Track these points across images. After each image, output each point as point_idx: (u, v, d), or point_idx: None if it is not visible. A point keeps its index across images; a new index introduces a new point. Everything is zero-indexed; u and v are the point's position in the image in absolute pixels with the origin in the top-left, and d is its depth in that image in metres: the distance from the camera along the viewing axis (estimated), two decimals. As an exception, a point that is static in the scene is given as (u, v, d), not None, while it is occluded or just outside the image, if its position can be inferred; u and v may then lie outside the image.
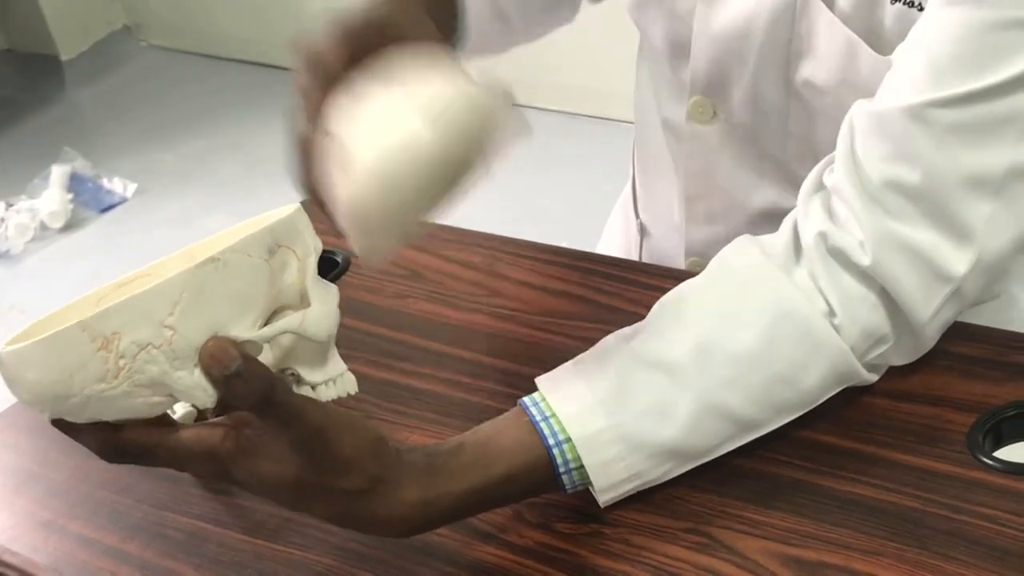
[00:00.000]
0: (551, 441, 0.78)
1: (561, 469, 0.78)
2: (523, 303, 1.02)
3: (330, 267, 1.12)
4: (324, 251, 1.11)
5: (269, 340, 0.70)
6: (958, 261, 0.79)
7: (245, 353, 0.67)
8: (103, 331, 0.65)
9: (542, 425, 0.78)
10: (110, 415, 0.68)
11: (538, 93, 3.31)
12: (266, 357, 0.70)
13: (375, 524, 0.74)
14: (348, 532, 0.81)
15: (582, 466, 0.78)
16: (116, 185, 3.14)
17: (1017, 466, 0.78)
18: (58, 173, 3.11)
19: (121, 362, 0.66)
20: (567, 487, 0.79)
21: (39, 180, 3.13)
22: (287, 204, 1.16)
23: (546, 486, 0.79)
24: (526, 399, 0.80)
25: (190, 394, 0.68)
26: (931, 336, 0.83)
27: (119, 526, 0.87)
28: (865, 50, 0.89)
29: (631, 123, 1.19)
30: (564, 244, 1.10)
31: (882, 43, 0.87)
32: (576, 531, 0.80)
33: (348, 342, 0.99)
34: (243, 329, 0.68)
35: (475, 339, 0.99)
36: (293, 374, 0.72)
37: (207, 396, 0.68)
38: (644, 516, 0.80)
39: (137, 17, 4.02)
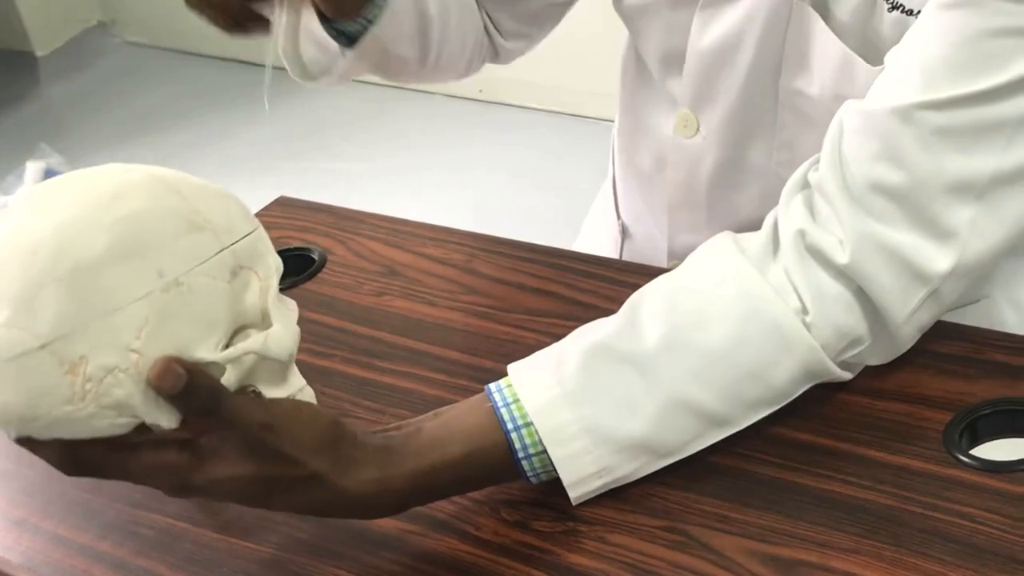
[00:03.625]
0: (510, 426, 0.78)
1: (520, 454, 0.78)
2: (499, 300, 1.02)
3: (306, 264, 1.11)
4: (300, 248, 1.14)
5: (232, 361, 0.70)
6: (938, 262, 0.79)
7: (189, 366, 0.68)
8: (70, 355, 0.66)
9: (503, 411, 0.78)
10: (76, 435, 0.69)
11: (515, 91, 3.31)
12: (228, 377, 0.71)
13: (335, 506, 0.75)
14: (323, 531, 0.82)
15: (543, 451, 0.78)
16: (91, 182, 3.13)
17: (993, 464, 0.78)
18: (33, 170, 3.08)
19: (88, 385, 0.67)
20: (529, 474, 0.79)
21: (14, 177, 3.10)
22: (264, 201, 1.16)
23: (506, 472, 0.79)
24: (491, 385, 0.80)
25: (155, 416, 0.69)
26: (907, 337, 0.83)
27: (93, 524, 0.87)
28: (860, 64, 0.89)
29: (608, 121, 1.19)
30: (540, 242, 1.09)
31: (878, 53, 0.86)
32: (552, 529, 0.80)
33: (325, 340, 1.01)
34: (207, 351, 0.69)
35: (451, 336, 0.99)
36: (254, 391, 0.73)
37: (172, 417, 0.69)
38: (620, 514, 0.80)
39: (112, 13, 4.00)
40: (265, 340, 0.71)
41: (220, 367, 0.70)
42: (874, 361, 0.85)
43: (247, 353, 0.71)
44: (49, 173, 3.14)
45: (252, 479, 0.72)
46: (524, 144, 3.13)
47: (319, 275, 1.10)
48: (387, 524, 0.81)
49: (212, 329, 0.70)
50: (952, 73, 0.76)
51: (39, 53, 3.91)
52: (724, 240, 0.83)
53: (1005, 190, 0.78)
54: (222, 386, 0.70)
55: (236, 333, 0.72)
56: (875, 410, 0.84)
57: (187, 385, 0.68)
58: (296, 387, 0.74)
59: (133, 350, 0.67)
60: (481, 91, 3.38)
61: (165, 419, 0.69)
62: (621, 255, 1.23)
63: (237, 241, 0.71)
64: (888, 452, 0.81)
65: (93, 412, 0.67)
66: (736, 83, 0.98)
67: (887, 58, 0.82)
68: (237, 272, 0.71)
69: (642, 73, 1.10)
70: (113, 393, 0.67)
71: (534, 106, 3.28)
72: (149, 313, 0.67)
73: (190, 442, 0.71)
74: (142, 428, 0.71)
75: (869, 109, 0.80)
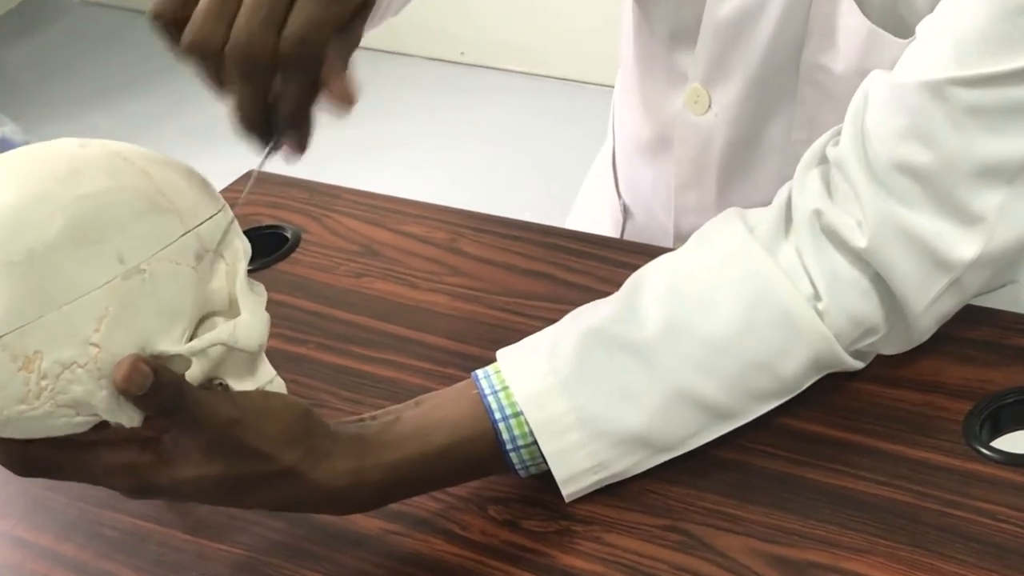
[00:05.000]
0: (498, 415, 0.76)
1: (508, 446, 0.76)
2: (486, 282, 1.01)
3: (278, 243, 1.10)
4: (271, 226, 1.11)
5: (198, 354, 0.68)
6: (963, 249, 0.76)
7: (154, 364, 0.66)
8: (24, 350, 0.64)
9: (490, 399, 0.77)
10: (31, 434, 0.67)
11: (501, 53, 3.28)
12: (194, 370, 0.68)
13: (309, 501, 0.74)
14: (298, 531, 0.81)
15: (533, 443, 0.76)
16: (51, 151, 3.12)
17: (1017, 457, 0.76)
18: (-11, 138, 3.08)
19: (43, 383, 0.64)
20: (518, 467, 0.78)
21: (-29, 146, 3.08)
22: (230, 173, 1.12)
23: (493, 465, 0.78)
24: (479, 371, 0.79)
25: (115, 413, 0.66)
26: (925, 328, 0.81)
27: (54, 525, 0.85)
28: (889, 39, 0.87)
29: (603, 86, 1.17)
30: (530, 218, 1.08)
31: (909, 28, 0.84)
32: (545, 529, 0.78)
33: (299, 324, 0.99)
34: (171, 342, 0.67)
35: (435, 321, 0.97)
36: (222, 384, 0.70)
37: (134, 416, 0.67)
38: (617, 512, 0.78)
39: (69, -26, 3.96)
40: (234, 330, 0.68)
41: (185, 360, 0.68)
42: (888, 351, 0.83)
43: (214, 345, 0.68)
44: (5, 142, 3.11)
45: (219, 478, 0.70)
46: (511, 111, 3.11)
47: (292, 255, 1.08)
48: (366, 523, 0.79)
49: (176, 319, 0.67)
50: (988, 49, 0.73)
51: (-8, 15, 3.88)
52: (731, 217, 0.81)
53: None
54: (187, 383, 0.67)
55: (202, 321, 0.69)
56: (890, 399, 0.82)
57: (152, 384, 0.65)
58: (266, 378, 0.72)
59: (92, 343, 0.64)
60: (463, 53, 3.34)
61: (127, 418, 0.67)
62: (623, 236, 1.21)
63: (202, 223, 0.68)
64: (904, 445, 0.79)
65: (49, 411, 0.65)
66: (754, 58, 0.96)
67: (919, 27, 0.79)
68: (202, 256, 0.68)
69: (646, 44, 1.07)
70: (70, 390, 0.64)
71: (521, 70, 3.24)
72: (109, 303, 0.64)
73: (152, 440, 0.69)
74: (100, 425, 0.68)
75: (898, 82, 0.77)
